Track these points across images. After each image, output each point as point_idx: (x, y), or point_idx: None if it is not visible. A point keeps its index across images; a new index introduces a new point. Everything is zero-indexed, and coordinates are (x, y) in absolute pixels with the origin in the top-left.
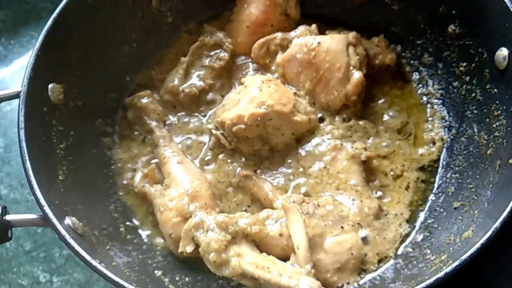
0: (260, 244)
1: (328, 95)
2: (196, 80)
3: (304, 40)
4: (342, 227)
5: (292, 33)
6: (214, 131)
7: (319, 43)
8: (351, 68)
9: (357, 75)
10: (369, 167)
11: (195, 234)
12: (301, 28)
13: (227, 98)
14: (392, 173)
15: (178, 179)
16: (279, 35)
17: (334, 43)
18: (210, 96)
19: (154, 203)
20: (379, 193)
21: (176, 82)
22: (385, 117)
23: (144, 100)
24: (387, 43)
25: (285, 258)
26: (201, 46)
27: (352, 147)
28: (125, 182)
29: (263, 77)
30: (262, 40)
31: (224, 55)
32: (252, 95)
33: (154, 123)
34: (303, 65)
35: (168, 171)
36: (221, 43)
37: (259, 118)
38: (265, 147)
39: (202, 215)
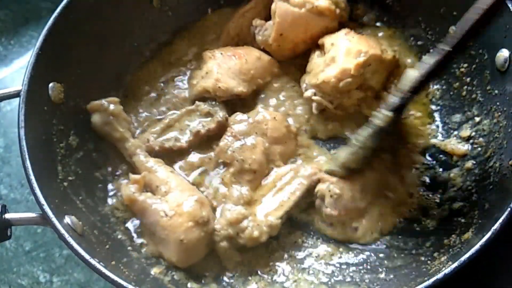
0: None
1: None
2: (176, 134)
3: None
4: None
5: None
6: (314, 97)
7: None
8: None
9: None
10: None
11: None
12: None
13: (312, 64)
14: None
15: (179, 185)
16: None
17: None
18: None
19: (153, 210)
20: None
21: (152, 139)
22: None
23: (114, 107)
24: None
25: None
26: (195, 110)
27: None
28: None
29: (343, 30)
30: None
31: (212, 126)
32: (347, 48)
33: (128, 132)
34: None
35: (163, 177)
36: (214, 114)
37: (362, 67)
38: (368, 93)
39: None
